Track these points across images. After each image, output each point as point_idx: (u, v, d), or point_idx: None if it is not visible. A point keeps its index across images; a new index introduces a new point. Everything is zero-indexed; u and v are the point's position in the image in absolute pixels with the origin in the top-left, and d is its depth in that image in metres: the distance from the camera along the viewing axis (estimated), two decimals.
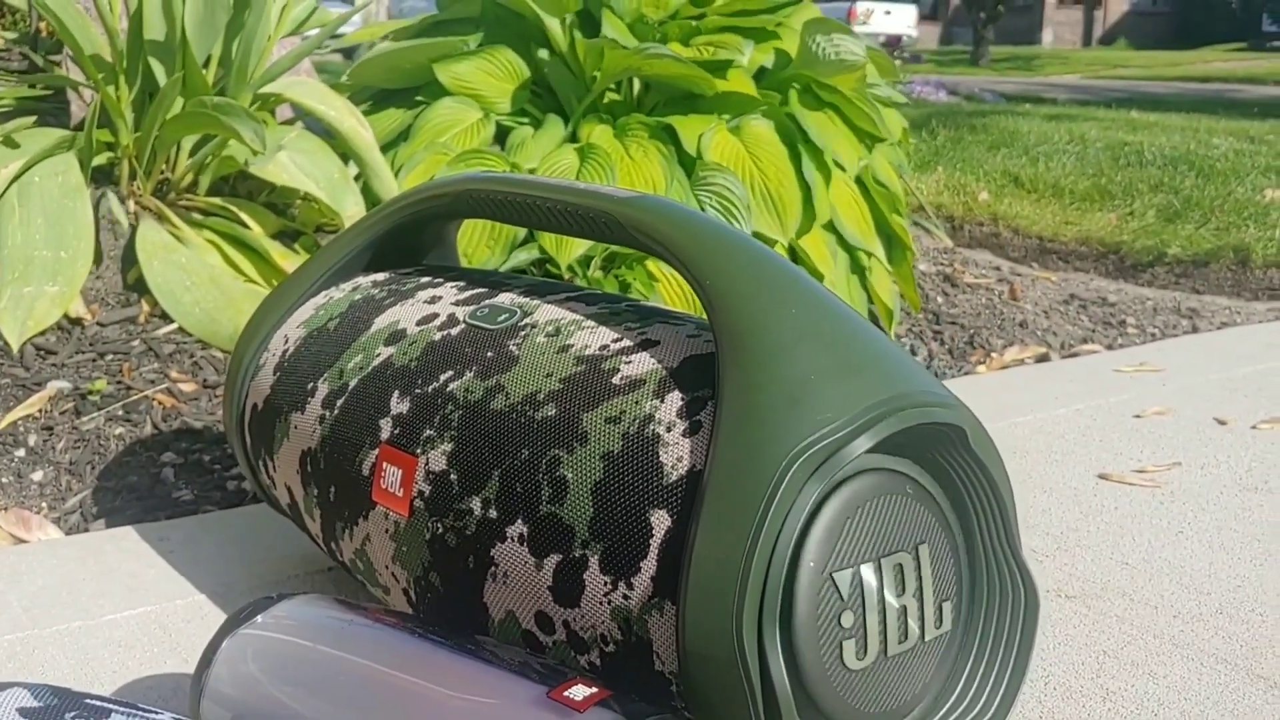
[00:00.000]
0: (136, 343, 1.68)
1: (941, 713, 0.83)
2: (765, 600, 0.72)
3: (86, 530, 1.34)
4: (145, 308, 1.75)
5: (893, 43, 10.62)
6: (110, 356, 1.64)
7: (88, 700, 0.69)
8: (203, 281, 1.76)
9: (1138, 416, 1.77)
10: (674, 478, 0.77)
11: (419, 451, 0.89)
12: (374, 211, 1.12)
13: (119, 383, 1.59)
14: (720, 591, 0.72)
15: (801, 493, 0.73)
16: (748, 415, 0.75)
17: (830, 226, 2.01)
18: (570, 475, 0.80)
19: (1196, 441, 1.66)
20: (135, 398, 1.56)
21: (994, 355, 2.17)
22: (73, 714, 0.68)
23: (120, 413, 1.54)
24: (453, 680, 0.73)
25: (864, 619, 0.76)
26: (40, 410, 1.52)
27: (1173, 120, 6.46)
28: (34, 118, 1.87)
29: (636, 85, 2.10)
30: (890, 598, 0.77)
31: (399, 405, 0.93)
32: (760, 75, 2.11)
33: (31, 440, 1.48)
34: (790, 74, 2.08)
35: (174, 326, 1.72)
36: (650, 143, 1.93)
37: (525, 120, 2.05)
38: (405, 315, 1.00)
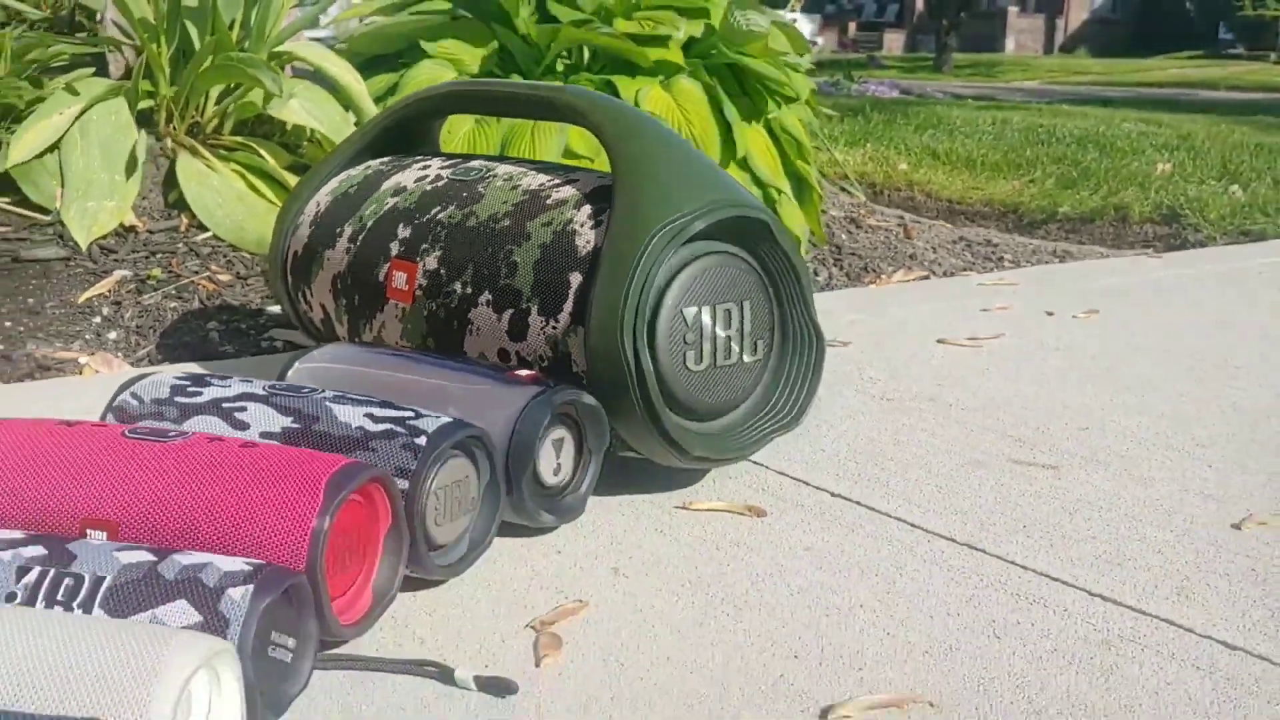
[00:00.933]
0: (180, 245, 2.10)
1: (760, 414, 1.26)
2: (638, 323, 1.15)
3: None
4: (184, 220, 2.16)
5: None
6: (160, 254, 2.06)
7: (214, 376, 1.12)
8: (231, 200, 2.18)
9: (984, 310, 2.21)
10: (584, 253, 1.20)
11: (418, 259, 1.32)
12: (380, 113, 1.54)
13: (170, 272, 2.01)
14: (611, 317, 1.15)
15: (662, 254, 1.16)
16: (629, 210, 1.18)
17: (745, 165, 2.45)
18: (519, 259, 1.23)
19: (1025, 324, 2.11)
20: (184, 282, 1.98)
21: (883, 277, 2.61)
22: (210, 379, 1.10)
23: (173, 293, 1.96)
24: (449, 375, 1.16)
25: (700, 340, 1.19)
26: (109, 290, 1.94)
27: (1095, 111, 6.95)
28: (92, 69, 2.29)
29: (586, 53, 2.53)
30: (719, 330, 1.21)
31: (403, 232, 1.35)
32: (691, 43, 2.54)
33: (105, 311, 1.89)
34: (713, 42, 2.52)
35: (209, 234, 2.14)
36: None
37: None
38: (406, 177, 1.42)
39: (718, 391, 1.22)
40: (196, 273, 2.03)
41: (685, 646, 0.96)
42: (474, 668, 0.90)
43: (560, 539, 1.15)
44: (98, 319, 1.87)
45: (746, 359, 1.24)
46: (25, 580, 0.81)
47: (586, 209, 1.23)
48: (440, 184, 1.37)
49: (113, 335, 1.84)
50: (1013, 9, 32.93)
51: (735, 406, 1.24)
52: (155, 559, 0.82)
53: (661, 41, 2.45)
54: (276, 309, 1.98)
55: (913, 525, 1.21)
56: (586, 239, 1.21)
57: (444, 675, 0.89)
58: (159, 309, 1.92)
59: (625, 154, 1.23)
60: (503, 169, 1.36)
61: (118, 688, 0.69)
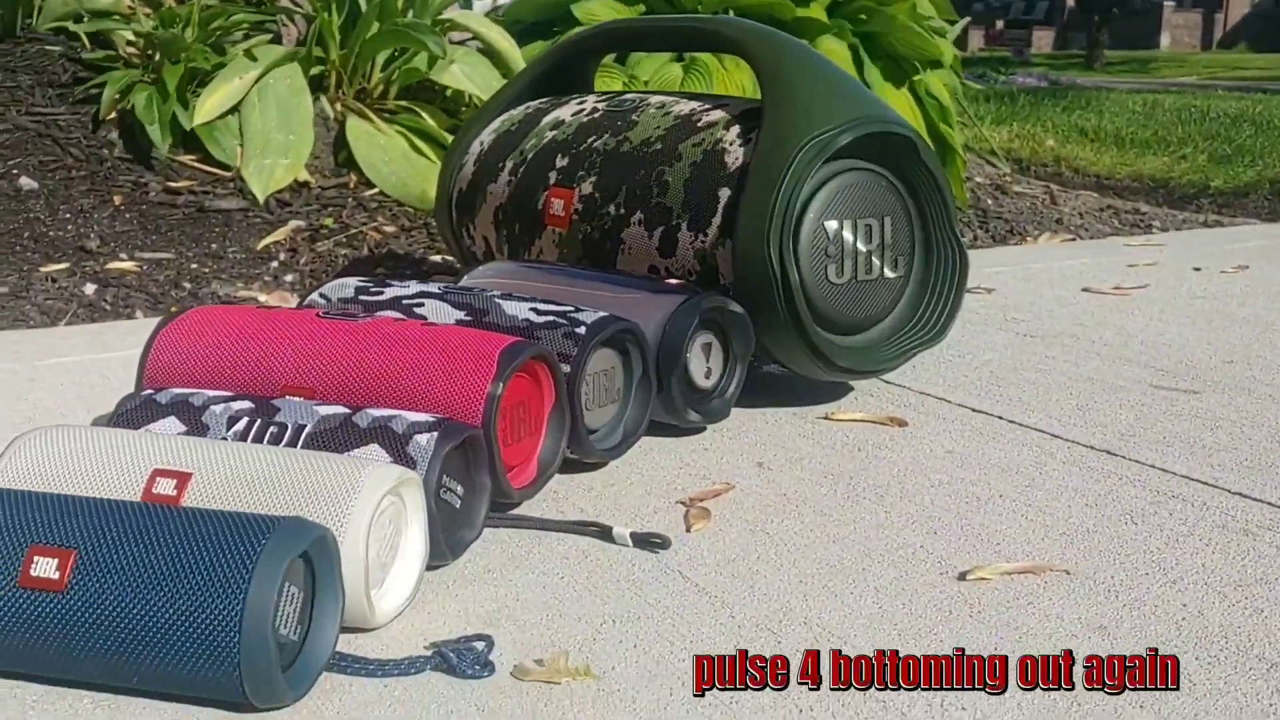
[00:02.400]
0: (349, 200, 2.22)
1: (904, 330, 1.30)
2: (784, 234, 1.21)
3: None
4: (353, 178, 2.29)
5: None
6: (330, 208, 2.19)
7: (393, 278, 1.21)
8: (396, 158, 2.30)
9: (1130, 266, 2.20)
10: (732, 169, 1.26)
11: (575, 186, 1.40)
12: (538, 55, 1.63)
13: (341, 223, 2.13)
14: (757, 228, 1.21)
15: (808, 169, 1.21)
16: (776, 127, 1.24)
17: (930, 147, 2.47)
18: (670, 178, 1.30)
19: (1171, 278, 2.09)
20: (353, 232, 2.11)
21: (1029, 239, 2.61)
22: (390, 281, 1.20)
23: (344, 240, 2.08)
24: (603, 285, 1.24)
25: (841, 254, 1.24)
26: (285, 238, 2.07)
27: (1256, 99, 6.73)
28: (268, 36, 2.44)
29: (731, 13, 2.59)
30: (860, 245, 1.26)
31: (561, 162, 1.43)
32: (835, 4, 2.58)
33: (281, 256, 2.03)
34: (857, 5, 2.56)
35: (375, 190, 2.26)
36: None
37: None
38: (563, 112, 1.51)
39: (860, 305, 1.27)
40: (365, 224, 2.15)
41: (827, 524, 1.01)
42: (630, 528, 0.97)
43: (707, 439, 1.22)
44: (275, 263, 2.01)
45: (888, 274, 1.28)
46: (235, 428, 0.91)
47: (735, 129, 1.29)
48: (596, 115, 1.45)
49: (289, 278, 1.96)
50: (1168, 4, 31.84)
51: (877, 322, 1.29)
52: (350, 412, 0.91)
53: (805, 2, 2.50)
54: (438, 258, 2.09)
55: (1052, 435, 1.24)
56: (735, 156, 1.27)
57: (603, 533, 0.97)
58: (330, 255, 2.04)
59: (773, 75, 1.29)
60: (656, 99, 1.43)
61: (326, 499, 0.78)
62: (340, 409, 0.92)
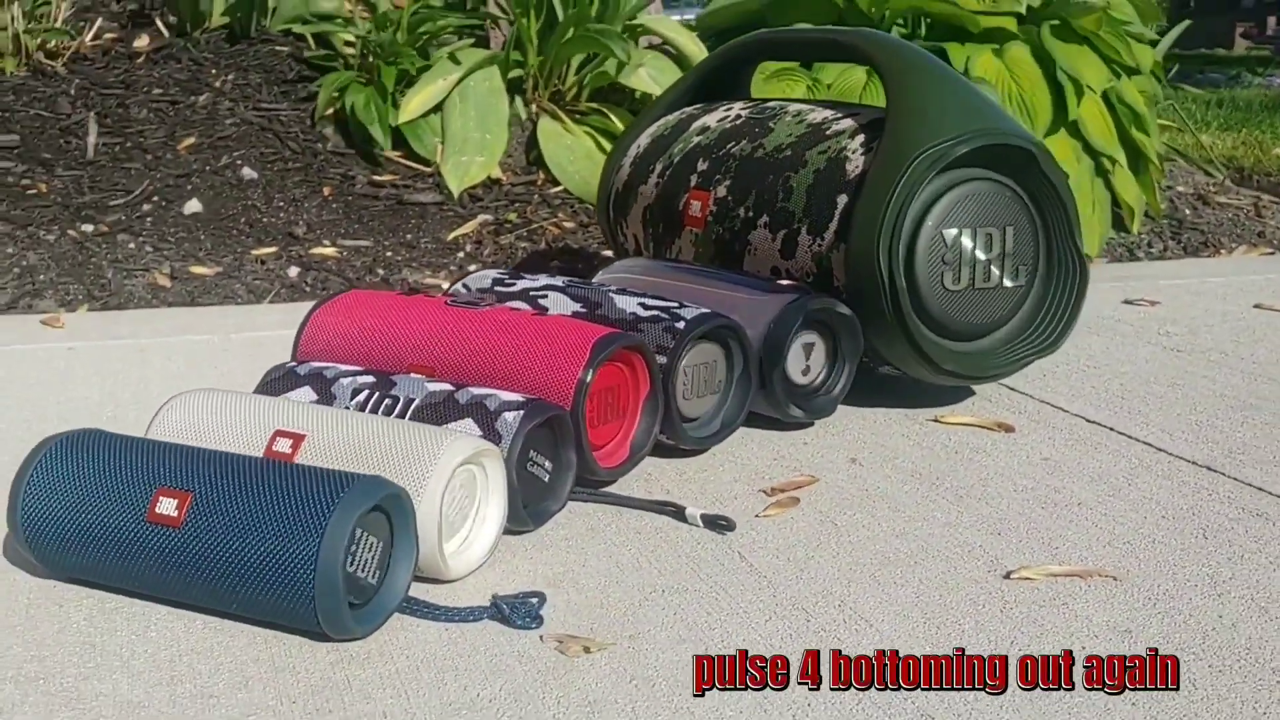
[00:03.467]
0: (535, 197, 2.37)
1: (1019, 339, 1.33)
2: (894, 240, 1.26)
3: None
4: (541, 176, 2.43)
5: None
6: (517, 203, 2.34)
7: (527, 273, 1.32)
8: (581, 158, 2.43)
9: None
10: (852, 176, 1.32)
11: (711, 188, 1.48)
12: (698, 63, 1.71)
13: (524, 218, 2.28)
14: (868, 233, 1.26)
15: (923, 177, 1.26)
16: (896, 136, 1.29)
17: (1076, 132, 2.45)
18: (795, 184, 1.37)
19: None
20: (535, 226, 2.25)
21: (1223, 252, 2.52)
22: (524, 275, 1.31)
23: (525, 235, 2.22)
24: (719, 283, 1.31)
25: (959, 261, 1.28)
26: (473, 231, 2.23)
27: None
28: (470, 40, 2.61)
29: (923, 22, 2.60)
30: (979, 253, 1.29)
31: (702, 165, 1.51)
32: (1026, 11, 2.56)
33: (468, 248, 2.18)
34: (1049, 12, 2.53)
35: (560, 188, 2.40)
36: None
37: None
38: (710, 119, 1.59)
39: (975, 312, 1.30)
40: (546, 219, 2.29)
41: (897, 519, 1.06)
42: (705, 512, 1.05)
43: (809, 434, 1.28)
44: (461, 254, 2.16)
45: (1007, 284, 1.31)
46: (357, 399, 1.04)
47: (860, 138, 1.35)
48: (738, 122, 1.53)
49: (472, 268, 2.12)
50: None
51: (993, 330, 1.32)
52: (453, 389, 1.03)
53: (1002, 13, 2.49)
54: (609, 253, 2.20)
55: (1158, 449, 1.24)
56: (856, 164, 1.32)
57: (678, 513, 1.05)
58: (511, 247, 2.19)
59: (899, 86, 1.33)
60: (794, 107, 1.49)
61: (410, 463, 0.89)
62: (446, 386, 1.03)
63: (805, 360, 1.26)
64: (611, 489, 1.11)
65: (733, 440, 1.23)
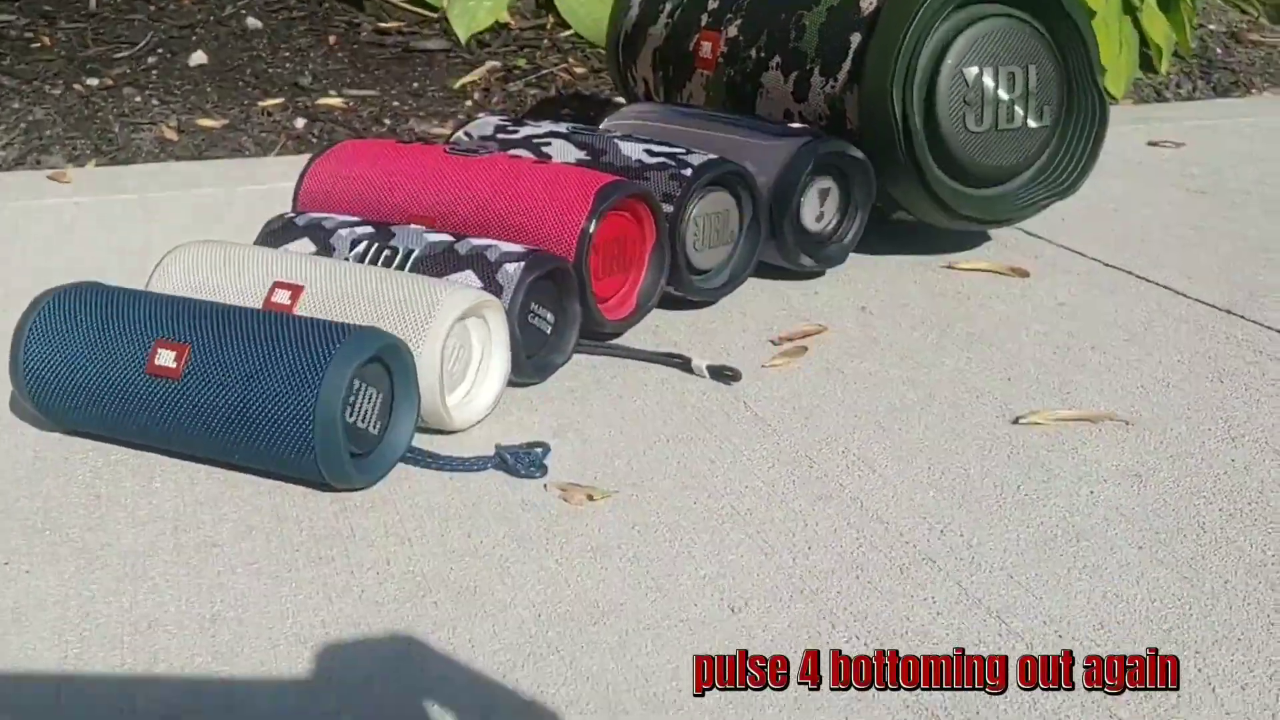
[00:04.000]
0: (545, 41, 2.31)
1: (1035, 181, 1.30)
2: (908, 80, 1.21)
3: None
4: (551, 19, 2.37)
5: None
6: (527, 49, 2.28)
7: (530, 119, 1.29)
8: (592, 0, 2.35)
9: None
10: (865, 13, 1.27)
11: (722, 28, 1.43)
12: None
13: (533, 64, 2.22)
14: (881, 73, 1.22)
15: (939, 13, 1.21)
16: None
17: None
18: (808, 22, 1.32)
19: None
20: (545, 72, 2.19)
21: (1253, 92, 2.45)
22: (527, 121, 1.28)
23: (534, 81, 2.17)
24: (728, 128, 1.28)
25: (981, 101, 1.24)
26: (481, 78, 2.18)
27: None
28: None
29: None
30: (1002, 93, 1.25)
31: (712, 4, 1.46)
32: None
33: (476, 96, 2.13)
34: None
35: (571, 32, 2.33)
36: None
37: None
38: None
39: (999, 155, 1.26)
40: (556, 65, 2.23)
41: (906, 366, 1.05)
42: (712, 362, 1.04)
43: (820, 283, 1.26)
44: (469, 102, 2.12)
45: (1031, 124, 1.27)
46: (356, 250, 1.02)
47: None
48: None
49: (480, 116, 2.07)
50: None
51: (1016, 173, 1.29)
52: (453, 240, 1.01)
53: None
54: (621, 99, 2.15)
55: (1177, 292, 1.22)
56: (869, 2, 1.27)
57: (685, 364, 1.04)
58: (521, 95, 2.14)
59: None
60: None
61: (409, 315, 0.88)
62: (446, 237, 1.01)
63: (819, 206, 1.24)
64: (618, 341, 1.10)
65: (742, 291, 1.21)
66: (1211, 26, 2.82)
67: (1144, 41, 2.46)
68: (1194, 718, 0.62)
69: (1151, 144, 1.88)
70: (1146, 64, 2.49)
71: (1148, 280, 1.26)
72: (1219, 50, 2.68)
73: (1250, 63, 2.63)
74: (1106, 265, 1.30)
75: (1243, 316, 1.15)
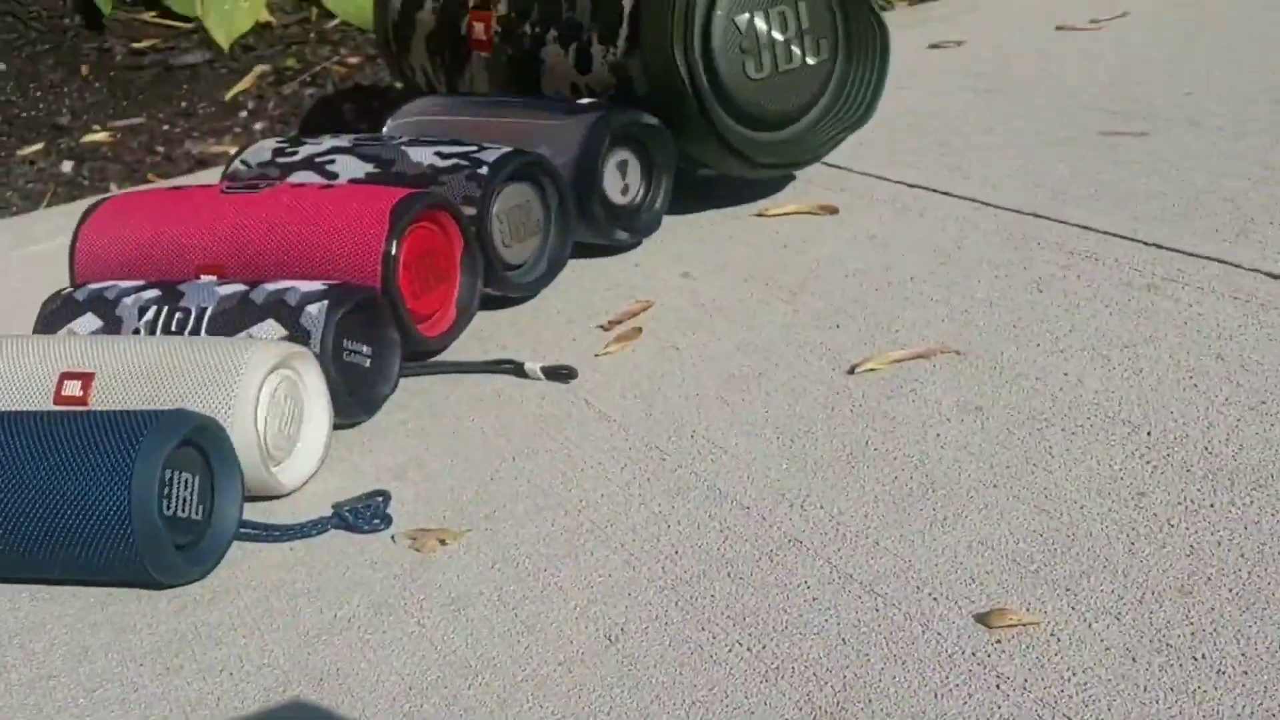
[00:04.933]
0: (313, 35, 2.21)
1: (828, 116, 1.29)
2: (688, 34, 1.19)
3: None
4: (314, 10, 2.27)
5: None
6: (294, 45, 2.18)
7: (309, 138, 1.23)
8: None
9: None
10: None
11: (491, 7, 1.38)
12: None
13: (304, 62, 2.13)
14: (660, 32, 1.19)
15: None
16: None
17: None
18: None
19: (1154, 3, 2.01)
20: (318, 69, 2.10)
21: None
22: (305, 140, 1.21)
23: (309, 79, 2.08)
24: (515, 111, 1.24)
25: (758, 46, 1.22)
26: (251, 85, 2.08)
27: None
28: None
29: None
30: (776, 34, 1.23)
31: None
32: None
33: (250, 105, 2.04)
34: None
35: (337, 21, 2.24)
36: None
37: None
38: None
39: (784, 97, 1.25)
40: (329, 59, 2.14)
41: (737, 331, 1.04)
42: (544, 363, 1.01)
43: (639, 254, 1.24)
44: (243, 113, 2.02)
45: (810, 61, 1.26)
46: (145, 318, 0.95)
47: None
48: None
49: (258, 126, 1.98)
50: None
51: (805, 111, 1.28)
52: (247, 289, 0.95)
53: None
54: (401, 86, 2.08)
55: (982, 203, 1.23)
56: None
57: (517, 370, 1.01)
58: (297, 96, 2.05)
59: None
60: None
61: (213, 386, 0.82)
62: (239, 287, 0.95)
63: (622, 179, 1.21)
64: (443, 356, 1.05)
65: (563, 275, 1.18)
66: None
67: None
68: (1077, 657, 0.62)
69: (933, 46, 1.90)
70: None
71: (953, 195, 1.27)
72: None
73: None
74: (911, 186, 1.31)
75: (1049, 218, 1.17)
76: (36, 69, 2.11)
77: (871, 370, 0.93)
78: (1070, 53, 1.75)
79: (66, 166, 1.87)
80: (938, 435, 0.83)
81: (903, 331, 0.99)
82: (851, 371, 0.93)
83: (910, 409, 0.87)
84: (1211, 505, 0.72)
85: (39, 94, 2.06)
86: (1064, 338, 0.94)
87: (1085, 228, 1.14)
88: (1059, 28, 1.91)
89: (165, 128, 1.98)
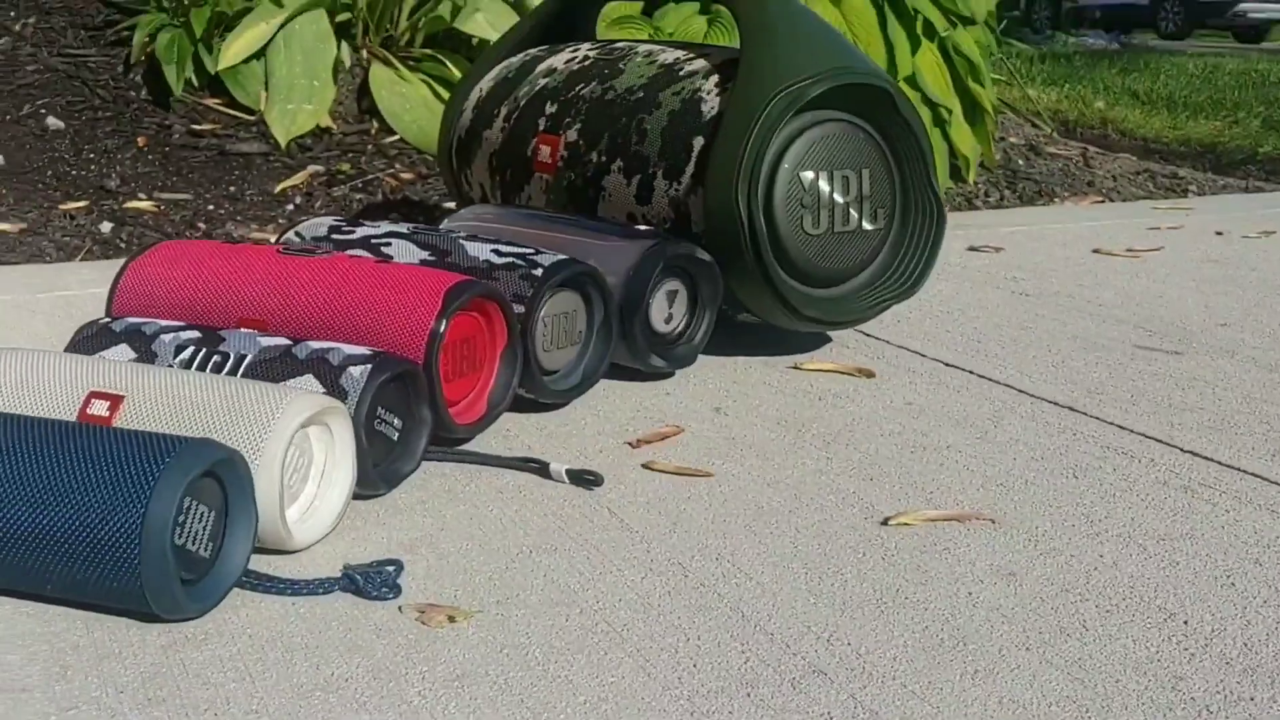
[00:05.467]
0: (369, 147, 2.25)
1: (878, 282, 1.30)
2: (753, 182, 1.21)
3: None
4: (375, 125, 2.32)
5: None
6: (350, 154, 2.22)
7: (367, 220, 1.23)
8: (417, 105, 2.32)
9: (1152, 229, 2.17)
10: (707, 117, 1.26)
11: (561, 133, 1.41)
12: (537, 6, 1.64)
13: (358, 168, 2.16)
14: (726, 175, 1.21)
15: (780, 118, 1.21)
16: (750, 76, 1.24)
17: (912, 84, 2.45)
18: (649, 126, 1.31)
19: (1189, 241, 2.06)
20: (370, 178, 2.14)
21: (1057, 201, 2.57)
22: (363, 222, 1.22)
23: (360, 186, 2.11)
24: (574, 230, 1.25)
25: (818, 204, 1.24)
26: (303, 182, 2.11)
27: None
28: None
29: None
30: (838, 196, 1.26)
31: (550, 108, 1.44)
32: None
33: (298, 200, 2.06)
34: None
35: (396, 138, 2.29)
36: None
37: None
38: (557, 60, 1.51)
39: (836, 257, 1.27)
40: (382, 170, 2.18)
41: (767, 468, 1.02)
42: (571, 466, 0.99)
43: (670, 384, 1.23)
44: (290, 206, 2.04)
45: (866, 226, 1.28)
46: (181, 356, 0.94)
47: (715, 78, 1.30)
48: (587, 64, 1.46)
49: (303, 220, 2.00)
50: None
51: (855, 274, 1.29)
52: (290, 344, 0.94)
53: None
54: (452, 205, 2.11)
55: (1019, 390, 1.23)
56: (711, 105, 1.27)
57: (542, 470, 0.99)
58: (346, 199, 2.07)
59: (753, 25, 1.29)
60: (645, 48, 1.43)
61: (245, 422, 0.80)
62: (282, 341, 0.94)
63: (667, 308, 1.21)
64: (468, 446, 1.04)
65: (593, 393, 1.17)
66: (1012, 139, 2.96)
67: (952, 153, 2.57)
68: None
69: (971, 249, 1.94)
70: (955, 175, 2.59)
71: (989, 379, 1.27)
72: (1021, 162, 2.81)
73: (1050, 173, 2.77)
74: (948, 365, 1.32)
75: (1085, 413, 1.17)
76: (94, 133, 2.15)
77: (905, 524, 0.91)
78: (1106, 273, 1.78)
79: (106, 227, 1.88)
80: (970, 594, 0.81)
81: (937, 494, 0.97)
82: (885, 523, 0.92)
83: (943, 565, 0.85)
84: (1252, 698, 0.70)
85: (92, 156, 2.09)
86: (1099, 522, 0.93)
87: (1121, 427, 1.13)
88: (1095, 251, 1.95)
89: (210, 207, 2.00)
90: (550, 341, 1.11)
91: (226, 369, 0.92)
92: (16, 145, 2.07)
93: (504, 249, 1.13)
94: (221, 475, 0.76)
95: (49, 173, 2.02)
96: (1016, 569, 0.85)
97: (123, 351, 0.96)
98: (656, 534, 0.89)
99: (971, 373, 1.29)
